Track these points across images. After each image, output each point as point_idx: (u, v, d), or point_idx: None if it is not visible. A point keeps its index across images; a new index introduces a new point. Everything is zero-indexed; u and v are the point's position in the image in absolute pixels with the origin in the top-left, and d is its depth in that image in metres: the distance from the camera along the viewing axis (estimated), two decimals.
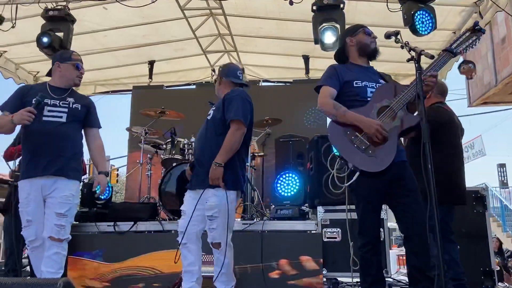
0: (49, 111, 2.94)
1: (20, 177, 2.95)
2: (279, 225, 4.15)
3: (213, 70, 7.68)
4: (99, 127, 3.23)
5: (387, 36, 2.43)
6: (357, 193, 2.61)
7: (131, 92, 7.75)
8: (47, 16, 4.67)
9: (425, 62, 3.55)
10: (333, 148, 2.71)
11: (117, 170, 17.83)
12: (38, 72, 7.28)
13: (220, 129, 2.96)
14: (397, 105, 2.49)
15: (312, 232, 4.09)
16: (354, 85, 2.64)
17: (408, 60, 2.27)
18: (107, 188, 4.79)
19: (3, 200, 4.81)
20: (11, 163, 4.06)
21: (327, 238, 4.02)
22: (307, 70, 7.06)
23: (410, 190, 2.53)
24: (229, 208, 2.88)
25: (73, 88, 3.18)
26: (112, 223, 4.16)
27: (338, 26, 4.30)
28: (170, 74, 7.74)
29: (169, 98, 7.41)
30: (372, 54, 2.76)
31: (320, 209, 4.12)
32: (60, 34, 4.59)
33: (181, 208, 3.08)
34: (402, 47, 2.32)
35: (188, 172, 3.15)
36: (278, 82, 7.81)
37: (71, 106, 3.03)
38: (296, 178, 4.52)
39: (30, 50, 6.40)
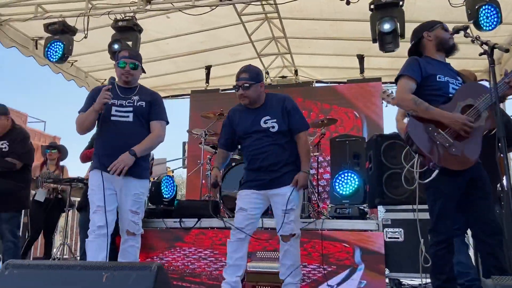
0: (116, 111, 3.00)
1: (92, 168, 3.05)
2: (339, 224, 4.17)
3: (267, 73, 7.84)
4: (161, 119, 3.16)
5: (456, 30, 2.43)
6: (436, 190, 2.57)
7: (189, 96, 8.04)
8: (116, 26, 5.00)
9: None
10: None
11: (172, 172, 18.40)
12: (105, 79, 7.76)
13: (288, 135, 3.16)
14: (482, 105, 2.47)
15: (373, 231, 4.08)
16: (437, 79, 2.62)
17: (481, 54, 2.25)
18: (172, 187, 5.04)
19: (79, 199, 5.19)
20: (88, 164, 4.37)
21: (389, 238, 4.00)
22: (361, 70, 7.02)
23: (487, 192, 2.54)
24: (298, 204, 3.13)
25: (141, 84, 3.23)
26: (178, 219, 4.37)
27: (397, 24, 4.27)
28: (226, 78, 7.95)
29: (225, 101, 7.61)
30: (451, 49, 2.74)
31: (380, 208, 4.10)
32: (129, 43, 4.89)
33: (240, 206, 3.15)
34: (472, 41, 2.30)
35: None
36: (331, 82, 7.81)
37: (136, 104, 3.04)
38: (355, 177, 4.52)
39: (98, 59, 6.87)
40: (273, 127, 3.09)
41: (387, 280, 3.92)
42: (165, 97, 8.24)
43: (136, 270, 1.47)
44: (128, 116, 3.00)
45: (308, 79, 7.78)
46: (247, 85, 3.07)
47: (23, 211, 4.26)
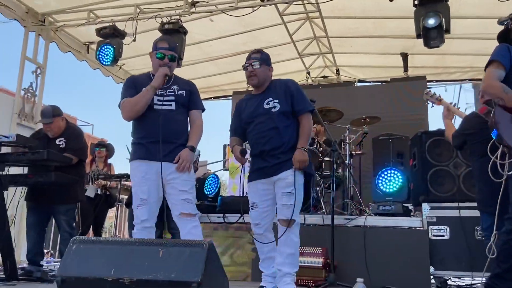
0: (158, 100, 2.90)
1: (132, 158, 2.95)
2: (382, 221, 4.15)
3: (308, 73, 7.87)
4: (200, 108, 3.12)
5: (501, 22, 2.39)
6: None
7: (231, 97, 8.19)
8: (163, 29, 5.22)
9: None
10: (493, 135, 2.56)
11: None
12: None
13: (290, 118, 3.09)
14: None
15: (417, 229, 4.03)
16: None
17: None
18: (216, 184, 5.18)
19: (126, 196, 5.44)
20: None
21: (434, 235, 3.94)
22: (405, 68, 6.93)
23: None
24: (299, 188, 2.97)
25: (175, 74, 3.12)
26: (221, 215, 4.49)
27: (443, 19, 4.22)
28: None
29: None
30: None
31: (425, 206, 4.05)
32: None
33: (252, 200, 3.13)
34: None
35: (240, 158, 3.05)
36: (374, 82, 7.74)
37: (177, 93, 2.97)
38: (398, 174, 4.48)
39: (145, 62, 7.13)
40: (274, 107, 3.04)
41: (431, 278, 3.87)
42: (207, 99, 8.45)
43: (190, 246, 1.57)
44: (171, 105, 2.93)
45: (350, 78, 7.75)
46: (258, 63, 3.09)
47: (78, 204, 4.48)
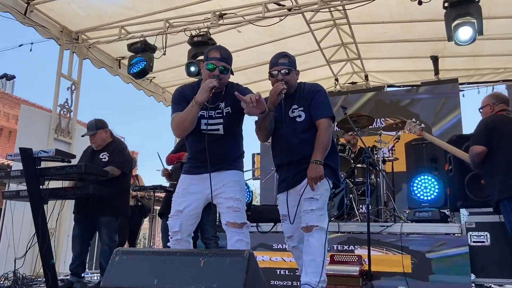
0: (205, 124, 2.70)
1: (183, 172, 2.89)
2: (419, 228, 4.06)
3: (336, 80, 7.84)
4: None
5: None
6: None
7: None
8: (192, 42, 5.33)
9: None
10: None
11: None
12: None
13: (308, 126, 2.90)
14: None
15: (456, 235, 3.92)
16: None
17: None
18: (248, 193, 5.19)
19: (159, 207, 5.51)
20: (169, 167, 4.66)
21: (474, 242, 3.83)
22: (436, 71, 6.80)
23: None
24: (322, 194, 2.80)
25: (232, 82, 2.88)
26: (254, 224, 4.50)
27: (474, 20, 4.13)
28: None
29: None
30: None
31: (463, 211, 3.95)
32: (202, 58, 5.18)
33: (282, 213, 2.99)
34: None
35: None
36: (404, 86, 7.62)
37: (224, 114, 2.76)
38: (433, 180, 4.39)
39: (174, 75, 7.31)
40: (299, 116, 2.88)
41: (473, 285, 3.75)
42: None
43: (230, 256, 1.58)
44: (218, 129, 2.75)
45: (379, 83, 7.67)
46: (287, 69, 2.82)
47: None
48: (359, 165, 4.98)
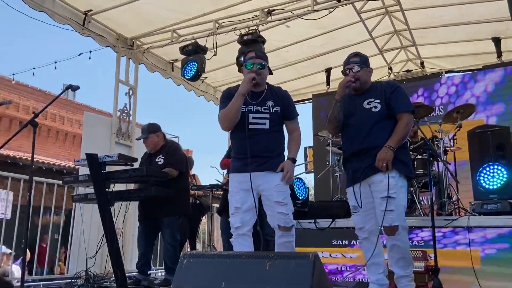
0: (253, 118, 2.94)
1: (231, 171, 3.10)
2: (488, 221, 3.86)
3: (390, 69, 7.59)
4: (296, 116, 3.14)
5: None
6: None
7: (311, 101, 8.14)
8: (242, 41, 5.36)
9: None
10: None
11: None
12: None
13: (391, 120, 3.01)
14: None
15: None
16: None
17: None
18: (304, 189, 5.16)
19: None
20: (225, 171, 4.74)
21: None
22: (499, 53, 6.39)
23: None
24: (399, 191, 2.87)
25: (270, 85, 3.12)
26: (312, 220, 4.47)
27: None
28: None
29: None
30: None
31: None
32: None
33: (353, 204, 3.05)
34: None
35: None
36: (464, 71, 7.23)
37: (271, 110, 2.97)
38: (502, 170, 4.14)
39: (225, 74, 7.40)
40: (375, 107, 3.00)
41: None
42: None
43: (295, 259, 1.58)
44: (265, 124, 2.96)
45: (436, 70, 7.33)
46: (358, 67, 3.03)
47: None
48: (419, 157, 4.79)
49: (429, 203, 3.82)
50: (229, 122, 2.97)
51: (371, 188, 2.95)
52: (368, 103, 3.03)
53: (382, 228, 2.89)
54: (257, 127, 2.96)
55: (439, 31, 6.43)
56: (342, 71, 3.15)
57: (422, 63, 7.35)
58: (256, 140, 2.92)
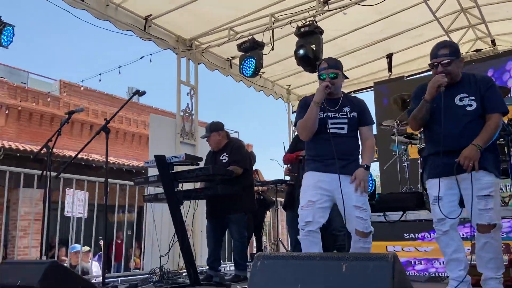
0: (332, 123, 3.02)
1: (306, 170, 3.11)
2: None
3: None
4: (371, 124, 3.19)
5: None
6: None
7: (372, 89, 7.89)
8: (299, 33, 5.28)
9: None
10: None
11: None
12: (289, 85, 8.27)
13: (483, 119, 2.83)
14: None
15: None
16: None
17: None
18: (371, 181, 5.02)
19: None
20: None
21: None
22: None
23: None
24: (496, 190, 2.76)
25: (344, 92, 3.20)
26: (381, 213, 4.33)
27: None
28: (410, 64, 7.56)
29: (411, 88, 7.21)
30: None
31: None
32: (312, 47, 5.10)
33: (434, 194, 2.88)
34: None
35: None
36: None
37: (349, 116, 3.07)
38: None
39: (282, 67, 7.36)
40: (470, 105, 2.80)
41: None
42: (347, 93, 8.26)
43: (373, 260, 1.52)
44: (343, 128, 3.04)
45: (510, 47, 6.81)
46: (447, 61, 2.79)
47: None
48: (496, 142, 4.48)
49: (509, 191, 3.58)
50: (308, 131, 3.06)
51: (462, 185, 2.79)
52: (460, 99, 2.84)
53: (475, 226, 2.76)
54: (336, 131, 3.04)
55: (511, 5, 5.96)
56: (429, 64, 2.92)
57: (493, 41, 6.86)
58: (336, 143, 2.97)
